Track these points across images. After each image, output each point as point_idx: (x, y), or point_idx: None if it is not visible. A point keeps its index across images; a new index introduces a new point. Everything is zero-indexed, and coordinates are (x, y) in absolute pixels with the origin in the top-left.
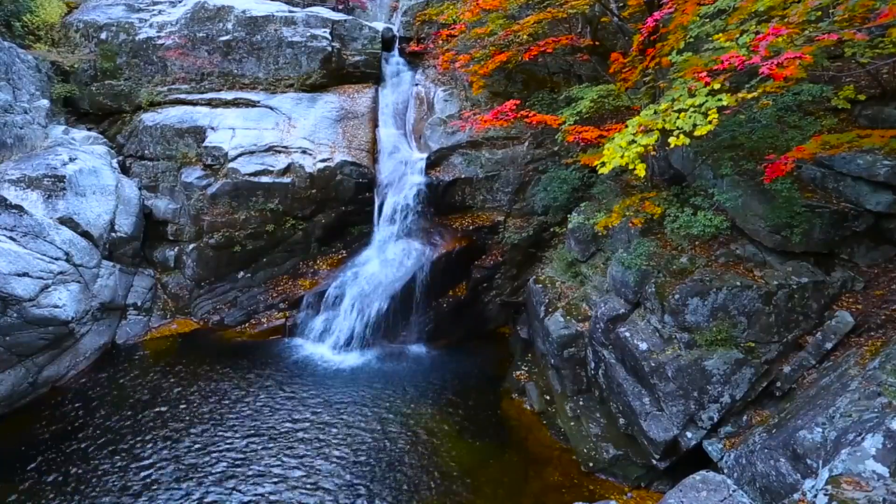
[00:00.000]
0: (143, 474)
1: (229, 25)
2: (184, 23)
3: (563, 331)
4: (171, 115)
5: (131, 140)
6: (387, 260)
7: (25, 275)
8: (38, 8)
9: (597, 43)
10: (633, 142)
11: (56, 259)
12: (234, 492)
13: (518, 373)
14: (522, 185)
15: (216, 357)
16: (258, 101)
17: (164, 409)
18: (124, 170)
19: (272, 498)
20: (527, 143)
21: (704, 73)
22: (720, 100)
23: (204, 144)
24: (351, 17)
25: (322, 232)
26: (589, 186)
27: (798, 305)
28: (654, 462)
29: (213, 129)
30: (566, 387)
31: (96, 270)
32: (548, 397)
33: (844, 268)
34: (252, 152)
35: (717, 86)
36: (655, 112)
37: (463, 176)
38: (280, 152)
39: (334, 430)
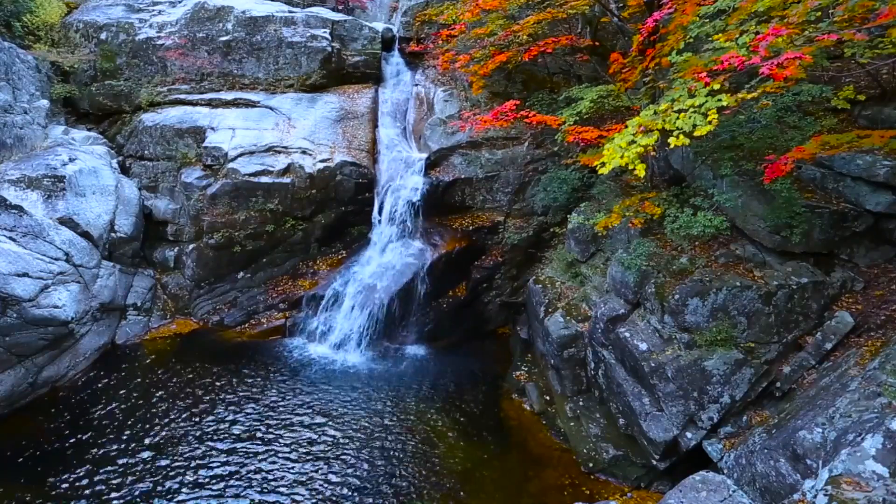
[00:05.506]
0: (143, 474)
1: (229, 26)
2: (184, 23)
3: (563, 331)
4: (171, 116)
5: (131, 140)
6: (386, 260)
7: (25, 275)
8: (38, 8)
9: (597, 43)
10: (633, 142)
11: (56, 259)
12: (232, 489)
13: (518, 373)
14: (522, 186)
15: (216, 357)
16: (258, 102)
17: (163, 409)
18: (124, 170)
19: (270, 497)
20: (527, 144)
21: (704, 74)
22: (720, 100)
23: (204, 145)
24: (351, 18)
25: (322, 232)
26: (589, 187)
27: (798, 306)
28: (654, 462)
29: (212, 129)
30: (566, 387)
31: (96, 271)
32: (548, 398)
33: (844, 268)
34: (252, 152)
35: (716, 86)
36: (655, 112)
37: (463, 176)
38: (280, 153)
39: (333, 430)
